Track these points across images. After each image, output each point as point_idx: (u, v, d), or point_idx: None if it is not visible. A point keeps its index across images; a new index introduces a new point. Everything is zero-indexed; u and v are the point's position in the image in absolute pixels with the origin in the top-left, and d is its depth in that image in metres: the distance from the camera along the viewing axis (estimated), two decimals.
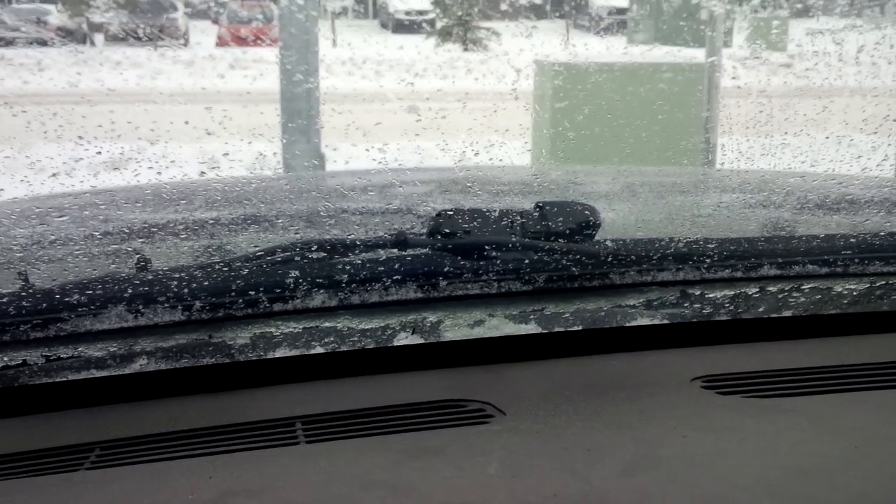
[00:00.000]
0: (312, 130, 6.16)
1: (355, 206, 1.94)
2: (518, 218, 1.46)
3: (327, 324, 1.29)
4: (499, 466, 1.01)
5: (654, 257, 1.42)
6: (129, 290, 1.26)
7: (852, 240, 1.51)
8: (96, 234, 1.72)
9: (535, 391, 1.20)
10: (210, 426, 1.13)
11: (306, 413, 1.15)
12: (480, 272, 1.36)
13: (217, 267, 1.33)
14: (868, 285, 1.44)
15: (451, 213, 1.45)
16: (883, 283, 1.45)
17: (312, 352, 1.25)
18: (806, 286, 1.42)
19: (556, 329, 1.31)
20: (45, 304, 1.24)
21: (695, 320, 1.36)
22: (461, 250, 1.38)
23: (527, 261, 1.38)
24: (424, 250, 1.40)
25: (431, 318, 1.31)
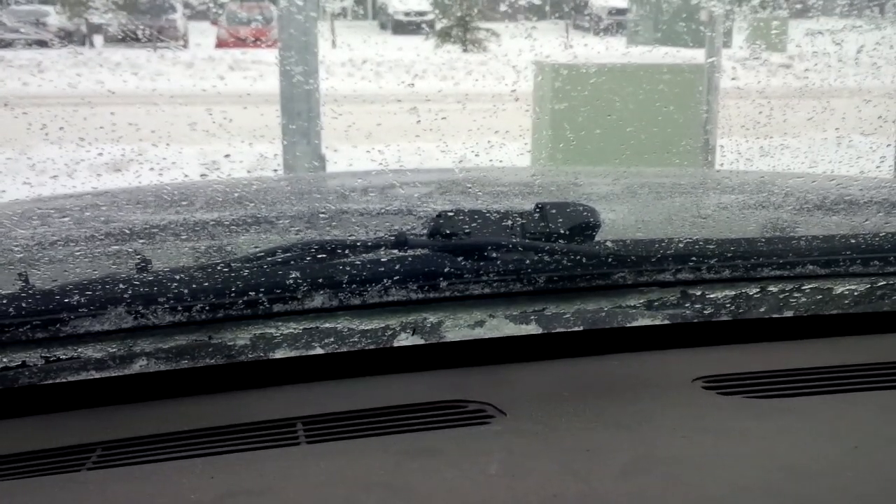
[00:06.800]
0: (313, 132, 6.14)
1: (356, 206, 1.94)
2: (518, 219, 1.46)
3: (328, 324, 1.29)
4: (499, 467, 1.02)
5: (655, 258, 1.42)
6: (130, 291, 1.26)
7: (853, 240, 1.51)
8: (97, 235, 1.73)
9: (535, 392, 1.20)
10: (211, 427, 1.13)
11: (307, 413, 1.15)
12: (481, 273, 1.36)
13: (217, 268, 1.33)
14: (869, 285, 1.44)
15: (451, 213, 1.44)
16: (883, 283, 1.45)
17: (313, 352, 1.25)
18: (807, 286, 1.42)
19: (557, 329, 1.31)
20: (45, 305, 1.24)
21: (696, 321, 1.36)
22: (461, 251, 1.38)
23: (527, 261, 1.38)
24: (425, 251, 1.40)
25: (432, 318, 1.31)
